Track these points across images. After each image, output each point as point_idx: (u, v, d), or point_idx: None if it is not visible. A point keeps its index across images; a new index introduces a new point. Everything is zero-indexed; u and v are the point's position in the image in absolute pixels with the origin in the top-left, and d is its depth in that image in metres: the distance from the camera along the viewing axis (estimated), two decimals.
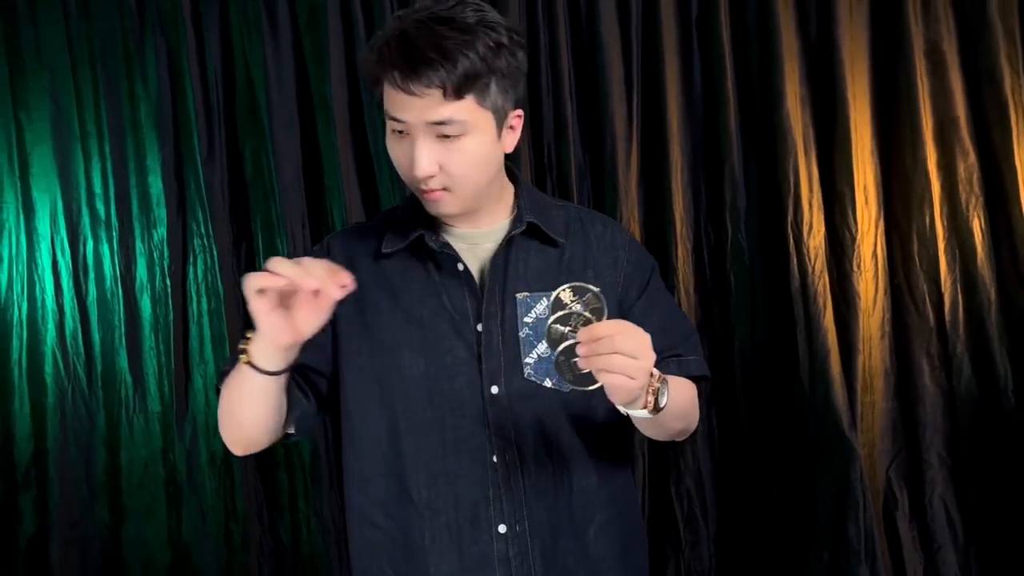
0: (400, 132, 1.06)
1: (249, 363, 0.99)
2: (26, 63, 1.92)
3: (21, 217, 1.94)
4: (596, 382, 0.95)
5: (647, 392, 1.00)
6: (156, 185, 1.90)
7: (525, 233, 1.18)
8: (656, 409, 1.01)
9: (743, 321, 1.73)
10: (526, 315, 0.97)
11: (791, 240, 1.66)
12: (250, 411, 1.08)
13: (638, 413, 1.02)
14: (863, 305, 1.67)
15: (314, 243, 1.83)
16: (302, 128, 1.83)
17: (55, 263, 1.94)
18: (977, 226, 1.64)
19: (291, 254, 1.81)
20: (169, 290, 1.90)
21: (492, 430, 1.13)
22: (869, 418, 1.68)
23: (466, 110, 1.04)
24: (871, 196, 1.68)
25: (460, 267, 1.15)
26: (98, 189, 1.93)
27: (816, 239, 1.66)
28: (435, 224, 1.18)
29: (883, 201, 1.69)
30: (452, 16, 1.02)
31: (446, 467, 1.13)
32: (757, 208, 1.72)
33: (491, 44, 1.03)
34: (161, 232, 1.91)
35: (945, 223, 1.66)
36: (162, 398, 1.92)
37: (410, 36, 1.00)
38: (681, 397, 1.16)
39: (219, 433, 1.82)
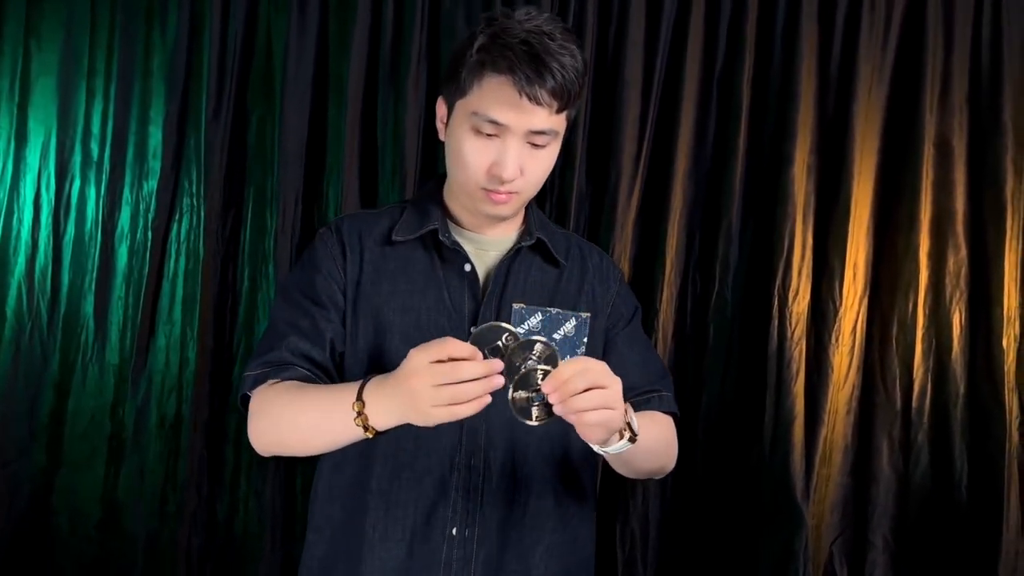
0: (489, 135, 1.08)
1: (365, 426, 1.00)
2: None
3: (12, 145, 1.89)
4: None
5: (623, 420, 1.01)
6: (156, 136, 1.87)
7: (530, 248, 1.20)
8: (633, 436, 1.01)
9: (715, 374, 1.73)
10: (519, 325, 0.98)
11: (776, 303, 1.68)
12: (330, 443, 1.09)
13: (618, 447, 1.02)
14: (835, 378, 1.68)
15: (304, 222, 1.82)
16: (313, 106, 1.82)
17: (37, 197, 1.90)
18: (957, 320, 1.66)
19: (280, 229, 1.79)
20: (149, 243, 1.86)
21: (465, 432, 1.13)
22: (822, 490, 1.69)
23: (560, 123, 1.12)
24: (860, 273, 1.70)
25: (467, 267, 1.17)
26: (96, 130, 1.89)
27: (800, 306, 1.68)
28: (446, 222, 1.19)
29: (871, 280, 1.71)
30: (553, 32, 1.07)
31: (413, 463, 1.13)
32: (747, 266, 1.73)
33: (582, 64, 1.10)
34: (152, 184, 1.87)
35: (927, 312, 1.68)
36: (122, 351, 1.87)
37: (532, 44, 1.04)
38: (657, 434, 1.17)
39: (171, 398, 1.84)
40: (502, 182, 1.09)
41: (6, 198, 1.90)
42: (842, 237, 1.68)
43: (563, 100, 1.07)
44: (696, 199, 1.76)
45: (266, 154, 1.84)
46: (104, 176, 1.89)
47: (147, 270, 1.86)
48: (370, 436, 1.00)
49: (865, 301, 1.70)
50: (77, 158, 1.90)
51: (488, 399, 0.93)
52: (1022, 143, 1.65)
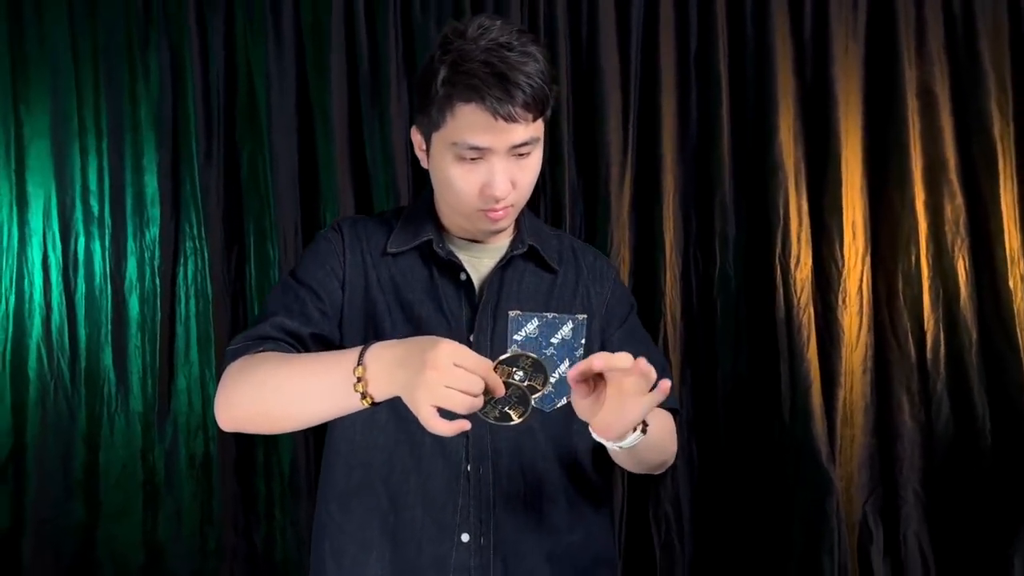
0: (472, 159, 1.08)
1: (363, 393, 0.95)
2: (29, 57, 1.91)
3: (15, 211, 1.93)
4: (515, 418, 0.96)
5: None
6: (151, 184, 1.90)
7: (522, 255, 1.21)
8: (645, 427, 1.02)
9: (727, 350, 1.74)
10: (516, 332, 0.98)
11: (778, 272, 1.68)
12: (315, 413, 1.02)
13: (632, 438, 1.02)
14: (846, 339, 1.68)
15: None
16: (300, 136, 1.84)
17: (45, 258, 1.94)
18: (961, 267, 1.67)
19: (282, 261, 1.82)
20: (158, 290, 1.89)
21: (471, 440, 1.14)
22: (848, 452, 1.70)
23: (539, 128, 1.11)
24: (859, 232, 1.70)
25: (463, 277, 1.18)
26: (93, 186, 1.93)
27: (803, 272, 1.68)
28: (440, 233, 1.21)
29: (870, 238, 1.72)
30: (510, 42, 1.05)
31: (420, 466, 1.14)
32: (746, 239, 1.74)
33: (547, 65, 1.09)
34: (154, 232, 1.90)
35: (930, 262, 1.69)
36: (144, 398, 1.91)
37: (494, 64, 1.03)
38: (660, 429, 1.17)
39: (198, 438, 1.86)
40: (496, 200, 1.10)
41: (15, 263, 1.94)
42: (836, 199, 1.68)
43: (538, 108, 1.07)
44: (687, 179, 1.77)
45: (260, 188, 1.87)
46: (107, 230, 1.92)
47: (159, 316, 1.89)
48: (366, 405, 0.95)
49: (867, 259, 1.71)
50: (79, 215, 1.94)
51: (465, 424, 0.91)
52: (1004, 85, 1.65)
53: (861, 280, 1.70)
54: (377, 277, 1.19)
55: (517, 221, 1.26)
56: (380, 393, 0.94)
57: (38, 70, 1.92)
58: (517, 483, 1.16)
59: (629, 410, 0.96)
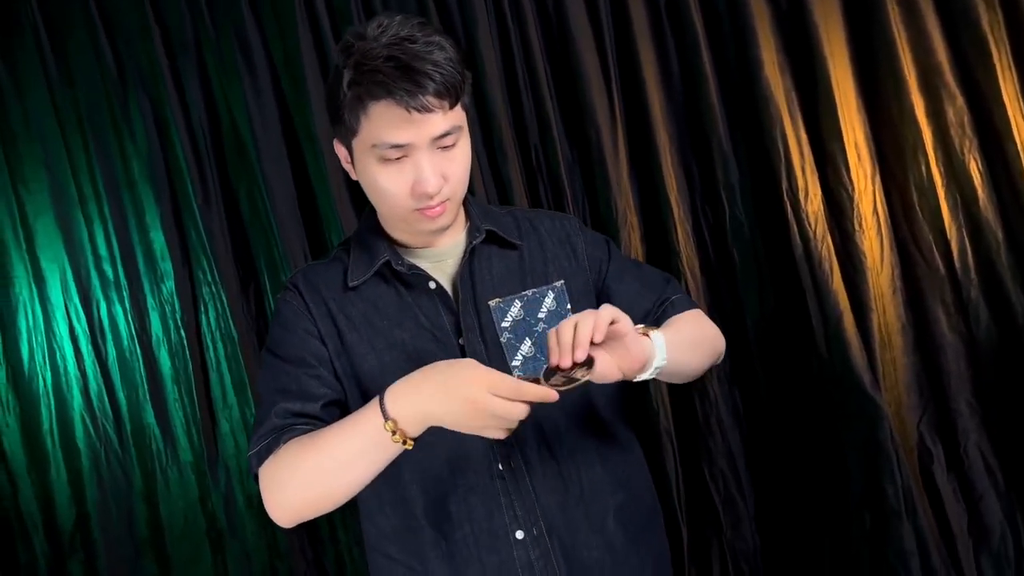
0: (397, 158, 1.06)
1: (404, 440, 0.99)
2: (17, 136, 1.94)
3: (34, 289, 1.97)
4: (579, 379, 0.97)
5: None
6: (158, 239, 1.92)
7: (483, 243, 1.20)
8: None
9: (752, 295, 1.72)
10: (503, 320, 0.98)
11: (788, 208, 1.65)
12: (364, 475, 1.04)
13: (655, 366, 1.03)
14: (870, 263, 1.65)
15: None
16: (291, 162, 1.85)
17: (72, 329, 1.97)
18: (974, 168, 1.62)
19: None
20: (185, 341, 1.92)
21: (493, 439, 1.13)
22: (892, 375, 1.67)
23: (459, 116, 1.09)
24: (863, 152, 1.67)
25: (432, 285, 1.17)
26: (103, 251, 1.95)
27: (814, 203, 1.65)
28: (394, 248, 1.19)
29: (876, 156, 1.67)
30: (412, 34, 1.03)
31: (454, 484, 1.14)
32: (751, 181, 1.71)
33: (456, 52, 1.07)
34: (170, 285, 1.93)
35: (942, 169, 1.64)
36: (192, 447, 1.94)
37: (398, 57, 1.01)
38: (689, 329, 1.18)
39: (250, 477, 1.86)
40: (430, 197, 1.08)
41: (44, 340, 1.98)
42: (834, 123, 1.64)
43: (452, 96, 1.04)
44: (681, 131, 1.75)
45: (263, 221, 1.88)
46: (124, 291, 1.95)
47: (191, 366, 1.92)
48: (410, 447, 0.99)
49: (877, 179, 1.67)
50: (96, 282, 1.97)
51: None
52: None
53: (874, 201, 1.66)
54: (346, 317, 1.17)
55: (467, 211, 1.24)
56: (415, 431, 0.99)
57: (28, 147, 1.95)
58: (549, 463, 1.15)
59: (631, 346, 0.99)
